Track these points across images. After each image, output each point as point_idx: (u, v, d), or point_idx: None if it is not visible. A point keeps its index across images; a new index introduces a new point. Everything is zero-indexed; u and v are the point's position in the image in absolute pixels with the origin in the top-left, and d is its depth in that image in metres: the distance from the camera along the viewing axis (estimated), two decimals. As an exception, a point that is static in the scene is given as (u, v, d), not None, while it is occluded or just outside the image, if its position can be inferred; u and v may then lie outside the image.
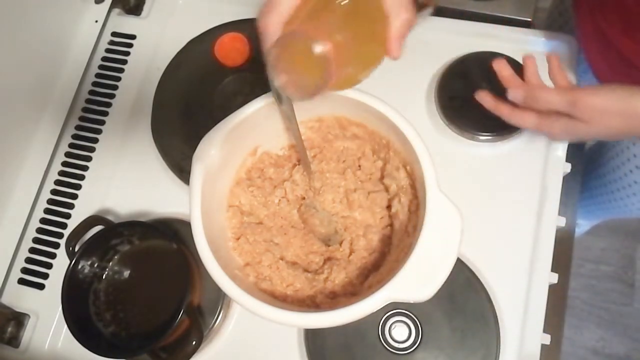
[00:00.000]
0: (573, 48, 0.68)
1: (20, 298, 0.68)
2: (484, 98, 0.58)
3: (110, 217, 0.66)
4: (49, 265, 0.69)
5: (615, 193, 0.83)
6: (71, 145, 0.74)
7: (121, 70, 0.76)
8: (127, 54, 0.77)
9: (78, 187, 0.71)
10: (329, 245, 0.56)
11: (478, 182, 0.64)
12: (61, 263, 0.67)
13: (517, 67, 0.66)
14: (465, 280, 0.59)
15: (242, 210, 0.57)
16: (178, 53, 0.74)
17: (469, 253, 0.60)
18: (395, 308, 0.59)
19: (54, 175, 0.73)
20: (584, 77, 0.74)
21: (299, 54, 0.40)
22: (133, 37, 0.78)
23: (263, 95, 0.53)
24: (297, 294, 0.53)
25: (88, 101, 0.75)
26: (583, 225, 1.31)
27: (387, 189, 0.57)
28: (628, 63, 0.60)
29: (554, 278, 0.60)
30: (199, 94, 0.71)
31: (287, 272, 0.54)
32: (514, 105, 0.56)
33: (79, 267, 0.61)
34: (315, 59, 0.39)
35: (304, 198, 0.58)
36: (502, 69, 0.58)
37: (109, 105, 0.75)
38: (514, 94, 0.55)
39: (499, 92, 0.66)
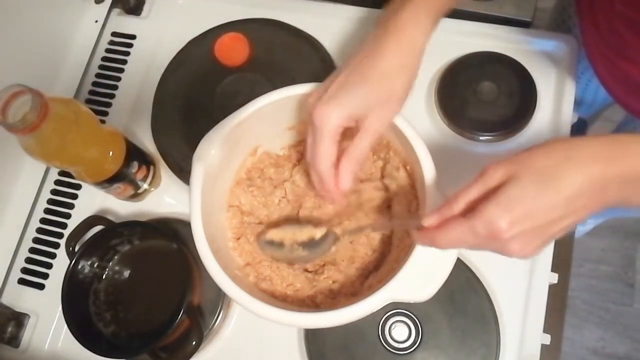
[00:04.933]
0: (573, 48, 0.68)
1: (20, 298, 0.68)
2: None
3: (110, 217, 0.66)
4: (49, 265, 0.69)
5: None
6: (71, 145, 0.74)
7: (121, 70, 0.76)
8: (127, 54, 0.77)
9: (78, 187, 0.71)
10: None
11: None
12: (61, 263, 0.67)
13: (517, 67, 0.67)
14: (465, 280, 0.59)
15: (242, 210, 0.57)
16: (178, 53, 0.74)
17: (469, 253, 0.60)
18: (395, 308, 0.59)
19: (54, 175, 0.73)
20: (583, 75, 0.75)
21: None
22: (133, 37, 0.78)
23: (263, 95, 0.53)
24: (297, 294, 0.53)
25: (88, 101, 0.75)
26: (588, 224, 1.31)
27: (387, 189, 0.57)
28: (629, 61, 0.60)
29: (554, 278, 0.60)
30: (199, 94, 0.71)
31: (287, 272, 0.54)
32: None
33: (79, 267, 0.61)
34: None
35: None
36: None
37: (109, 105, 0.75)
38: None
39: (500, 91, 0.67)
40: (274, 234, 0.54)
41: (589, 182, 0.38)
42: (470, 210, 0.40)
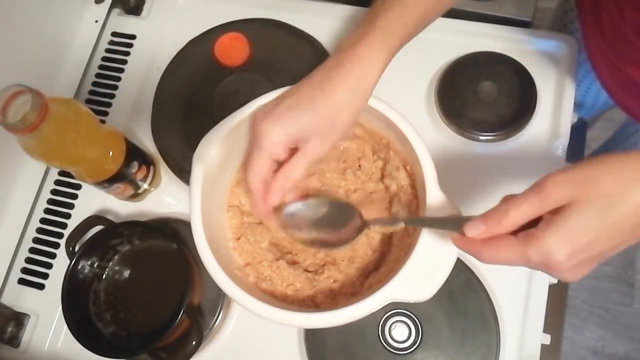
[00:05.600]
0: (573, 48, 0.68)
1: (20, 298, 0.68)
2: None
3: (110, 217, 0.66)
4: (49, 265, 0.69)
5: None
6: (71, 145, 0.74)
7: (121, 71, 0.76)
8: (127, 54, 0.77)
9: (78, 187, 0.71)
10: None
11: (478, 182, 0.64)
12: (61, 263, 0.67)
13: (517, 67, 0.67)
14: (465, 280, 0.59)
15: (242, 211, 0.57)
16: (178, 53, 0.74)
17: (469, 253, 0.60)
18: (395, 308, 0.59)
19: (54, 175, 0.73)
20: (585, 79, 0.75)
21: None
22: (133, 37, 0.78)
23: (263, 95, 0.53)
24: (297, 294, 0.53)
25: (88, 101, 0.75)
26: None
27: (387, 189, 0.57)
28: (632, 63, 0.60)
29: (554, 278, 0.60)
30: (199, 94, 0.71)
31: (287, 271, 0.54)
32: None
33: (79, 267, 0.61)
34: None
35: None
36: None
37: (109, 105, 0.75)
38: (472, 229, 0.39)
39: (500, 91, 0.67)
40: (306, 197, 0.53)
41: None
42: (522, 228, 0.37)
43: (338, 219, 0.52)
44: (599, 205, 0.35)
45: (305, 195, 0.55)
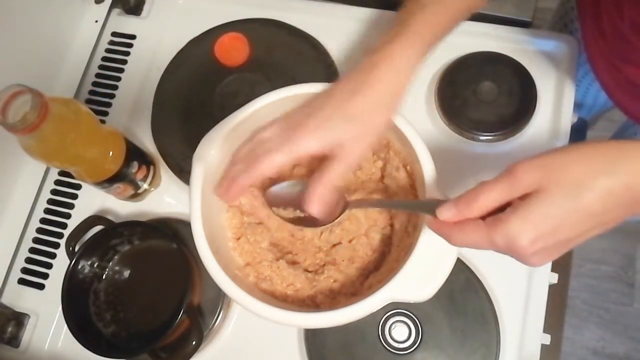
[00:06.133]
0: (573, 48, 0.68)
1: (20, 298, 0.68)
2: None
3: (110, 217, 0.66)
4: (49, 265, 0.69)
5: None
6: (71, 145, 0.74)
7: (121, 71, 0.76)
8: (127, 54, 0.77)
9: (78, 187, 0.71)
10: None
11: (478, 182, 0.64)
12: (61, 263, 0.67)
13: (517, 67, 0.67)
14: (465, 280, 0.59)
15: (242, 211, 0.57)
16: (178, 53, 0.74)
17: (469, 253, 0.60)
18: (395, 308, 0.59)
19: (54, 175, 0.73)
20: (584, 80, 0.74)
21: None
22: (133, 37, 0.78)
23: (263, 95, 0.53)
24: (297, 294, 0.53)
25: (88, 101, 0.75)
26: None
27: (387, 189, 0.57)
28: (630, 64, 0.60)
29: (554, 278, 0.60)
30: (199, 94, 0.71)
31: (288, 271, 0.54)
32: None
33: (79, 267, 0.61)
34: None
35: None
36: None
37: (109, 105, 0.75)
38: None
39: (500, 91, 0.67)
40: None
41: (626, 197, 0.35)
42: (492, 213, 0.37)
43: None
44: (566, 191, 0.35)
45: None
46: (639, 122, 0.65)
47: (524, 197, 0.36)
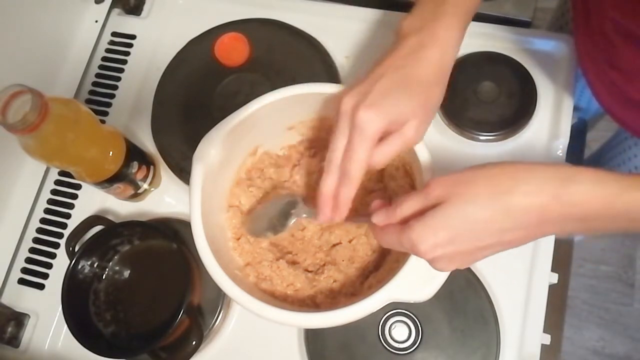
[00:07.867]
0: (572, 48, 0.68)
1: (20, 298, 0.68)
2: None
3: (110, 217, 0.66)
4: (49, 265, 0.69)
5: None
6: (71, 145, 0.74)
7: (121, 71, 0.76)
8: (127, 54, 0.77)
9: (78, 187, 0.71)
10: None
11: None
12: (61, 263, 0.67)
13: (517, 67, 0.67)
14: (465, 280, 0.59)
15: (242, 211, 0.57)
16: (178, 53, 0.74)
17: (469, 253, 0.60)
18: (395, 308, 0.59)
19: (54, 175, 0.73)
20: (578, 83, 0.74)
21: None
22: (133, 37, 0.78)
23: (263, 95, 0.53)
24: (297, 294, 0.53)
25: (88, 101, 0.75)
26: None
27: (386, 189, 0.57)
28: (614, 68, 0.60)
29: (554, 278, 0.60)
30: (199, 94, 0.71)
31: (287, 271, 0.54)
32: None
33: (79, 267, 0.61)
34: None
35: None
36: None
37: (109, 105, 0.75)
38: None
39: (500, 91, 0.67)
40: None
41: (527, 217, 0.37)
42: (408, 220, 0.41)
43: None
44: (469, 207, 0.38)
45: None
46: (625, 126, 0.65)
47: (434, 206, 0.39)
